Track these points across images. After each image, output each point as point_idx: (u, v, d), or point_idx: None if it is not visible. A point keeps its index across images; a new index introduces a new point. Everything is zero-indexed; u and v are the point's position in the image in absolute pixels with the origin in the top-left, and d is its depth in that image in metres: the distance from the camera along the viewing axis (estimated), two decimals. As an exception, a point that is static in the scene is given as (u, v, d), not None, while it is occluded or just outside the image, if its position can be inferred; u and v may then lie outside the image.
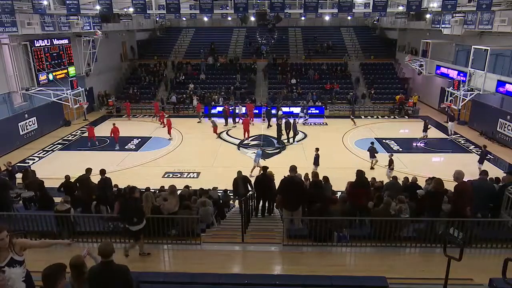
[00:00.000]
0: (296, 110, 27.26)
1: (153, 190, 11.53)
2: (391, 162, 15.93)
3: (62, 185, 10.70)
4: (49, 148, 20.51)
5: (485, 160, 16.38)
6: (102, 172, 10.42)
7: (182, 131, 23.58)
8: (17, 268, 4.27)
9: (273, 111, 25.85)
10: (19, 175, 13.21)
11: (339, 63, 33.32)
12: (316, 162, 15.92)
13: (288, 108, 27.66)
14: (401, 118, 27.16)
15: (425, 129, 21.61)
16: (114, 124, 20.78)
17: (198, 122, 25.83)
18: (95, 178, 10.54)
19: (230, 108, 25.88)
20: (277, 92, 30.10)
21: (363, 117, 27.33)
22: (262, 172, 11.17)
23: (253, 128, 24.59)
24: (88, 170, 10.53)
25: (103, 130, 22.88)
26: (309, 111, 27.43)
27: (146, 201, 8.13)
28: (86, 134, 21.68)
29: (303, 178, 10.92)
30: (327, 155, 19.16)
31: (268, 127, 24.39)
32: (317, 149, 16.28)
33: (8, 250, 4.28)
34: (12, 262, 4.27)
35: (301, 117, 25.78)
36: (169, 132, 22.29)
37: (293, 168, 8.57)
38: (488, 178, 8.92)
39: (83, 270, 4.21)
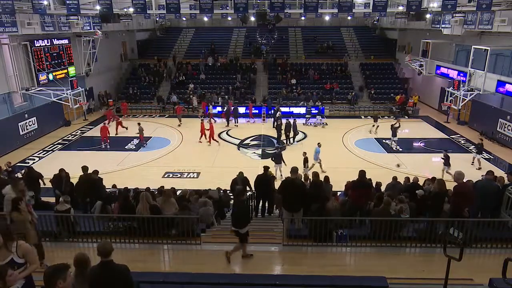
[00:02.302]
0: (298, 110, 27.37)
1: (152, 190, 11.53)
2: (305, 161, 15.85)
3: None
4: (49, 148, 20.50)
5: (450, 163, 15.54)
6: (96, 172, 10.63)
7: (182, 131, 23.60)
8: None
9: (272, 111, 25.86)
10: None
11: (339, 63, 33.32)
12: (278, 160, 15.86)
13: (288, 108, 27.65)
14: (401, 118, 27.12)
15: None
16: (104, 123, 21.66)
17: (179, 125, 24.90)
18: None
19: (231, 108, 25.90)
20: (277, 92, 30.15)
21: (363, 117, 27.35)
22: (263, 171, 11.18)
23: (253, 128, 24.66)
24: (85, 169, 10.34)
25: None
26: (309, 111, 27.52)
27: (142, 201, 8.14)
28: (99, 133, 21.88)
29: (303, 179, 10.94)
30: (327, 155, 19.19)
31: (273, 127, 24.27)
32: (277, 148, 16.51)
33: (10, 251, 4.27)
34: (12, 263, 4.24)
35: (313, 117, 25.79)
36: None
37: (294, 170, 8.56)
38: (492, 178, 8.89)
39: (86, 269, 4.21)
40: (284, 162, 15.72)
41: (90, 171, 10.52)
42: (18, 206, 6.25)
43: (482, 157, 17.75)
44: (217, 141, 21.15)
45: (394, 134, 20.04)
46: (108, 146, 20.28)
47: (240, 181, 11.60)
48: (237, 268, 7.30)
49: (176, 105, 27.02)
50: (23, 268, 4.32)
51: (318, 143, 17.00)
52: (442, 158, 15.92)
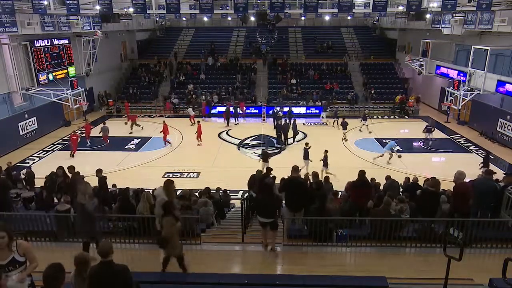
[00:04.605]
0: (298, 110, 27.35)
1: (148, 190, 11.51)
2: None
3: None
4: (49, 148, 20.51)
5: None
6: (100, 171, 10.83)
7: (183, 132, 23.58)
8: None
9: (271, 111, 25.80)
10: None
11: (339, 63, 33.33)
12: (306, 156, 16.24)
13: (288, 108, 27.60)
14: (401, 118, 27.17)
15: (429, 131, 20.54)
16: (87, 121, 22.27)
17: (139, 126, 23.77)
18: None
19: (231, 108, 25.94)
20: (277, 92, 30.16)
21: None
22: (266, 172, 11.15)
23: (253, 128, 24.66)
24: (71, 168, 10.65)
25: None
26: (310, 111, 27.53)
27: (143, 200, 8.14)
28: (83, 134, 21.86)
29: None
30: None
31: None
32: (306, 144, 16.75)
33: (11, 250, 4.30)
34: (13, 262, 4.29)
35: (323, 117, 25.97)
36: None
37: (295, 169, 8.53)
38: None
39: (86, 268, 4.22)
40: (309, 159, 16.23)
41: (90, 170, 10.56)
42: (171, 211, 6.02)
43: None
44: (170, 142, 20.86)
45: (364, 119, 23.08)
46: (89, 143, 20.79)
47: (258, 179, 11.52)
48: (237, 268, 7.31)
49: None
50: (24, 267, 4.38)
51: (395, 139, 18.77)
52: (321, 160, 16.10)
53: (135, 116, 25.15)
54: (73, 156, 18.81)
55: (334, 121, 24.51)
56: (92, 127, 22.90)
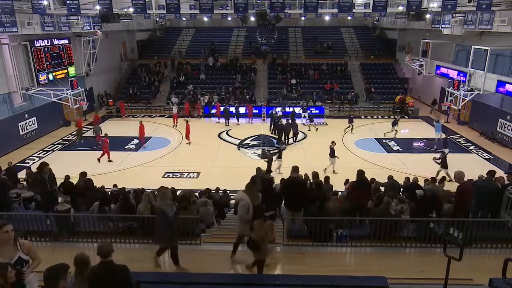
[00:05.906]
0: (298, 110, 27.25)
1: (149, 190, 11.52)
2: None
3: (61, 186, 10.70)
4: (49, 148, 20.50)
5: None
6: (83, 174, 11.19)
7: (183, 132, 23.55)
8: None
9: (270, 112, 25.80)
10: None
11: (339, 63, 33.33)
12: (333, 154, 16.53)
13: (288, 108, 27.60)
14: (401, 118, 27.12)
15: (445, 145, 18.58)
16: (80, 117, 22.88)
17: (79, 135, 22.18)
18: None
19: (231, 108, 25.93)
20: (277, 92, 30.16)
21: (363, 117, 27.35)
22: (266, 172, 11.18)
23: (253, 128, 24.66)
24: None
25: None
26: (309, 111, 27.47)
27: (145, 200, 8.14)
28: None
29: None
30: (327, 155, 19.20)
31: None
32: (333, 142, 16.88)
33: (16, 249, 4.36)
34: (20, 261, 4.34)
35: (304, 117, 25.83)
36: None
37: (295, 169, 8.54)
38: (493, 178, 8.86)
39: (86, 269, 4.23)
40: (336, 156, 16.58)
41: (90, 170, 10.58)
42: (261, 213, 6.08)
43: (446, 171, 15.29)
44: (144, 146, 20.76)
45: (394, 123, 21.82)
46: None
47: (259, 180, 11.48)
48: (237, 268, 7.30)
49: (79, 117, 24.41)
50: (28, 265, 4.44)
51: (437, 120, 20.12)
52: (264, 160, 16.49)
53: (81, 120, 23.95)
54: (101, 161, 18.17)
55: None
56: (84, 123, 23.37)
